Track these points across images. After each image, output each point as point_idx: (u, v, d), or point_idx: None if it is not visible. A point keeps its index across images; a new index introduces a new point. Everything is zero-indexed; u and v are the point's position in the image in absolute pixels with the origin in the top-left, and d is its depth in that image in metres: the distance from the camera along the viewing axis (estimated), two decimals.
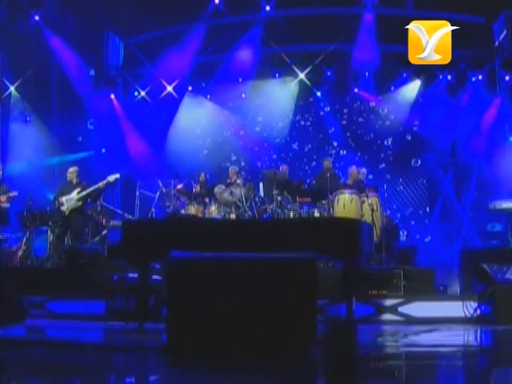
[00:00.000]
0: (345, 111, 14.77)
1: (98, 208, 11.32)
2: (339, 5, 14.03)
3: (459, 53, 13.80)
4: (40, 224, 9.88)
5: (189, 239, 6.57)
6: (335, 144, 14.60)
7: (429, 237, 12.70)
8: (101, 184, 10.07)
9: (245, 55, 14.45)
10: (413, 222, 13.58)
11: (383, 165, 14.22)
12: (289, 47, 14.46)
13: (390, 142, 14.54)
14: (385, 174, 14.08)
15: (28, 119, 14.73)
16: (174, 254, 4.89)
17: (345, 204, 9.15)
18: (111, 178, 10.05)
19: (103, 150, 14.63)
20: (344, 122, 14.70)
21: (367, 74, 14.53)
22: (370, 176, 11.95)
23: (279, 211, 9.53)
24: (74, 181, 10.32)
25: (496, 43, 14.26)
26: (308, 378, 3.76)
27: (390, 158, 14.37)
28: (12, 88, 14.46)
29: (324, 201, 9.45)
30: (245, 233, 6.66)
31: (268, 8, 13.92)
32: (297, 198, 9.65)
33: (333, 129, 14.72)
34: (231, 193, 9.87)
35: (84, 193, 10.00)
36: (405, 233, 11.65)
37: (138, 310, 6.60)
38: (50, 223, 9.89)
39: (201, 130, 14.73)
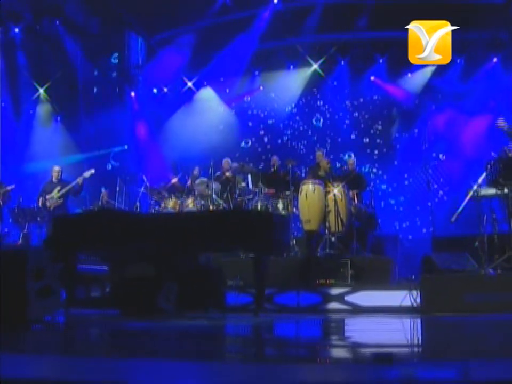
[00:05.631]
0: (361, 100, 14.59)
1: (100, 203, 11.84)
2: None
3: (476, 35, 13.49)
4: (30, 220, 10.51)
5: (113, 233, 6.96)
6: (352, 136, 14.46)
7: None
8: (78, 180, 10.66)
9: (260, 48, 14.67)
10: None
11: (395, 154, 13.97)
12: (303, 38, 14.48)
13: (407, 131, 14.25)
14: (398, 163, 13.85)
15: (58, 119, 15.65)
16: None
17: (308, 194, 9.18)
18: (87, 174, 10.67)
19: (126, 147, 15.22)
20: (357, 112, 14.53)
21: (381, 61, 14.36)
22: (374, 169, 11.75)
23: (247, 202, 9.72)
24: (56, 179, 10.94)
25: None
26: None
27: (407, 147, 14.05)
28: (41, 91, 15.36)
29: (287, 192, 9.53)
30: (167, 227, 6.96)
31: (275, 0, 14.02)
32: (262, 190, 9.78)
33: (347, 121, 14.61)
34: (207, 186, 10.10)
35: (63, 190, 10.66)
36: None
37: (67, 300, 6.99)
38: (38, 219, 10.49)
39: (214, 125, 14.98)
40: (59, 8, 14.40)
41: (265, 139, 14.89)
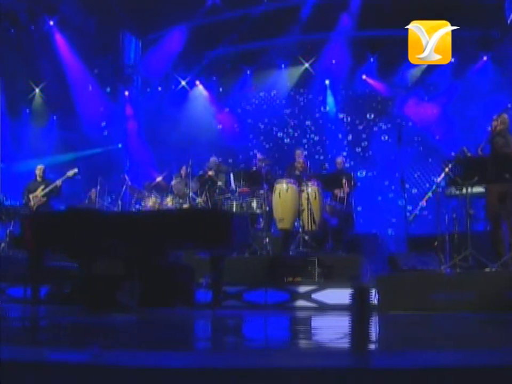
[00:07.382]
0: (352, 98, 14.65)
1: (87, 201, 12.03)
2: None
3: (467, 33, 13.47)
4: (14, 218, 10.70)
5: (79, 232, 7.12)
6: (343, 134, 14.53)
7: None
8: (61, 179, 10.84)
9: (251, 47, 14.81)
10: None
11: (383, 152, 13.98)
12: (294, 37, 14.55)
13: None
14: (385, 162, 13.84)
15: (54, 117, 15.88)
16: None
17: (281, 192, 9.27)
18: (70, 173, 10.80)
19: (120, 145, 15.42)
20: (348, 110, 14.60)
21: (372, 60, 14.42)
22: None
23: (223, 200, 9.83)
24: (40, 178, 11.14)
25: (508, 21, 13.68)
26: None
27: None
28: (37, 90, 15.61)
29: (261, 191, 9.62)
30: (132, 226, 7.11)
31: None
32: (237, 189, 9.88)
33: (337, 119, 14.69)
34: (186, 184, 10.23)
35: (46, 189, 10.84)
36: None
37: (32, 296, 7.17)
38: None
39: (206, 123, 15.11)
40: (54, 8, 14.61)
41: (258, 137, 14.99)
